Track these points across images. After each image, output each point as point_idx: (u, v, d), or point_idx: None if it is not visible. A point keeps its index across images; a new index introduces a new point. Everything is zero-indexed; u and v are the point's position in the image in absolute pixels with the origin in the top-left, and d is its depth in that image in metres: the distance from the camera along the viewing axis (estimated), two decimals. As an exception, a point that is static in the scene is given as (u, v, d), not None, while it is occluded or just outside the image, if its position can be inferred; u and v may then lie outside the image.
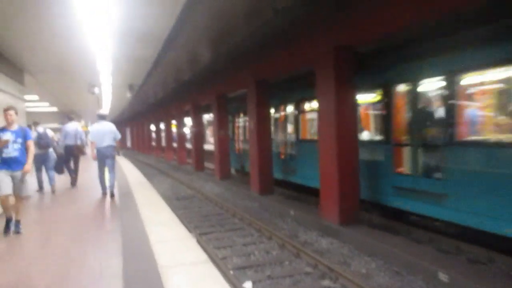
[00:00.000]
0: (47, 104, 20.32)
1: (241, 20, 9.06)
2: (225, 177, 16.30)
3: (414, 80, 7.68)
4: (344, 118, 8.04)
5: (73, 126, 11.74)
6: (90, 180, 12.75)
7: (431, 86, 7.53)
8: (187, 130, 28.78)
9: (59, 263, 4.94)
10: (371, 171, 8.65)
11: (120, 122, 56.90)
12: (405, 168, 7.97)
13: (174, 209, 11.21)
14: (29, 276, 4.51)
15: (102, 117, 9.99)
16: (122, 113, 39.50)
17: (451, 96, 6.83)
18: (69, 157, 11.74)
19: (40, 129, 11.02)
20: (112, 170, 9.79)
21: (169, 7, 6.34)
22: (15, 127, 6.35)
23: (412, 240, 7.45)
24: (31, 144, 6.49)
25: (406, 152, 7.94)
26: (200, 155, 20.70)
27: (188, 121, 26.73)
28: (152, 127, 36.98)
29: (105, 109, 28.47)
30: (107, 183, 9.87)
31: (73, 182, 11.98)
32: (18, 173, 6.22)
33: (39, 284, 4.29)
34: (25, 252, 5.55)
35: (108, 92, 17.50)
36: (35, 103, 18.63)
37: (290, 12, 8.00)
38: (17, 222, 6.42)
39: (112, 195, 9.66)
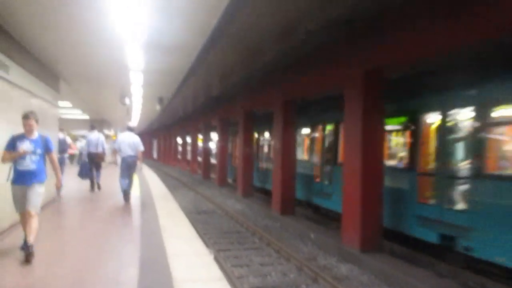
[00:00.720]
0: (79, 111, 20.88)
1: (273, 38, 9.14)
2: (247, 195, 16.25)
3: (443, 110, 7.53)
4: (370, 143, 7.93)
5: (95, 135, 12.59)
6: (109, 187, 13.18)
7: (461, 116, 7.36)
8: (212, 145, 28.97)
9: (77, 269, 4.99)
10: (394, 199, 8.47)
11: (148, 133, 57.90)
12: (430, 198, 7.76)
13: (194, 223, 11.24)
14: (46, 281, 4.56)
15: (130, 129, 10.72)
16: (150, 125, 40.18)
17: (480, 128, 6.66)
18: (92, 164, 12.42)
19: (61, 135, 11.63)
20: (131, 177, 10.46)
21: (202, 22, 6.44)
22: (35, 135, 5.52)
23: (435, 273, 7.19)
24: (54, 157, 5.77)
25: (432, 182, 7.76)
26: (224, 170, 20.76)
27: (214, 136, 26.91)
28: (179, 140, 37.43)
29: (134, 122, 29.89)
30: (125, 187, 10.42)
31: (93, 187, 12.60)
32: (33, 187, 5.35)
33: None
34: (42, 260, 5.63)
35: (138, 103, 17.85)
36: (68, 110, 19.17)
37: (322, 33, 8.02)
38: (27, 244, 5.13)
39: (127, 199, 10.38)
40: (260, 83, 13.26)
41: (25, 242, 5.13)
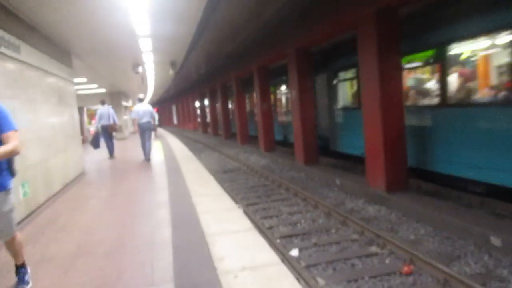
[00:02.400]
0: (95, 85, 21.03)
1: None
2: (270, 149, 16.38)
3: None
4: (388, 84, 7.80)
5: (105, 109, 14.45)
6: (132, 156, 14.23)
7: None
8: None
9: (115, 231, 5.23)
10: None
11: (165, 100, 58.21)
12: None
13: (221, 181, 11.47)
14: (88, 238, 4.81)
15: (141, 100, 12.97)
16: (166, 91, 40.29)
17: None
18: (106, 135, 14.30)
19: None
20: (149, 140, 12.61)
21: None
22: None
23: (462, 205, 7.24)
24: (9, 137, 3.33)
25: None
26: (245, 128, 20.86)
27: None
28: (197, 104, 37.54)
29: (145, 93, 32.18)
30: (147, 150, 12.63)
31: (111, 154, 14.55)
32: None
33: (98, 250, 4.56)
34: (81, 230, 5.87)
35: (151, 70, 17.84)
36: (84, 86, 19.35)
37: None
38: (20, 268, 3.79)
39: (148, 159, 12.64)
40: (272, 35, 13.02)
41: (17, 269, 3.79)
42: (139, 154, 13.62)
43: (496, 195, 7.26)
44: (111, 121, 14.31)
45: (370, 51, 7.96)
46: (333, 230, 6.84)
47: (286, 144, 17.35)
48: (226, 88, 24.53)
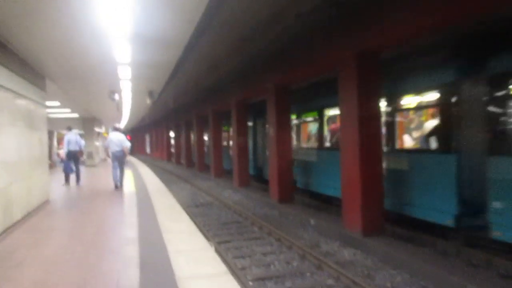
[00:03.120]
0: (68, 110, 20.50)
1: (261, 26, 8.95)
2: (244, 184, 16.15)
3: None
4: (367, 125, 7.81)
5: (73, 135, 14.70)
6: (103, 184, 13.64)
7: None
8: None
9: (78, 270, 4.84)
10: None
11: (140, 128, 57.54)
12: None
13: (193, 216, 11.13)
14: (47, 281, 4.42)
15: (116, 129, 13.52)
16: (141, 120, 39.83)
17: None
18: (74, 160, 14.46)
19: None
20: (122, 167, 13.10)
21: (188, 13, 6.22)
22: None
23: (439, 252, 7.15)
24: None
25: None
26: (219, 162, 20.63)
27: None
28: (171, 134, 37.17)
29: (120, 123, 32.73)
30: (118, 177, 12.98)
31: (78, 180, 14.52)
32: None
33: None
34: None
35: (128, 99, 17.55)
36: (56, 109, 18.82)
37: (311, 16, 7.83)
38: None
39: (121, 185, 13.04)
40: (252, 71, 13.06)
41: None
42: (109, 183, 13.74)
43: (472, 245, 7.23)
44: (78, 147, 14.69)
45: (350, 93, 8.01)
46: (308, 274, 6.60)
47: (260, 179, 17.18)
48: (202, 120, 24.38)
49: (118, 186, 12.97)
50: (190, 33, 7.42)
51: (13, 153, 7.78)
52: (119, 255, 5.39)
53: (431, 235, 7.95)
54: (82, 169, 22.16)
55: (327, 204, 11.72)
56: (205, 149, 25.20)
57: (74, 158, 14.43)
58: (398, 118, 8.91)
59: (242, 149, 16.28)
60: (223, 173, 20.58)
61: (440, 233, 7.91)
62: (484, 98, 6.44)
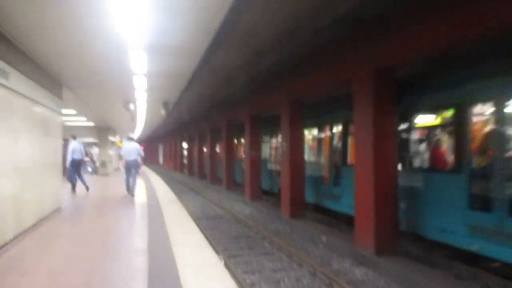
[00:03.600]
0: (84, 119, 20.72)
1: (278, 40, 8.93)
2: (255, 198, 16.03)
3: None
4: (382, 143, 7.68)
5: (77, 144, 14.86)
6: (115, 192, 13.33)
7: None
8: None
9: (85, 280, 4.78)
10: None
11: (153, 138, 57.91)
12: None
13: (203, 229, 11.04)
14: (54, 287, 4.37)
15: (130, 139, 14.02)
16: (155, 130, 40.08)
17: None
18: (77, 169, 14.67)
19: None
20: (134, 176, 13.40)
21: (206, 24, 6.24)
22: None
23: (454, 275, 6.93)
24: None
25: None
26: (231, 174, 20.57)
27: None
28: (185, 145, 37.30)
29: (135, 132, 33.39)
30: (130, 184, 13.37)
31: (74, 189, 14.53)
32: None
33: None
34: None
35: (142, 109, 17.67)
36: (72, 117, 19.04)
37: (328, 31, 7.79)
38: None
39: (132, 194, 13.30)
40: (266, 85, 13.05)
41: None
42: (121, 192, 13.96)
43: (487, 269, 7.00)
44: (81, 156, 14.86)
45: (365, 109, 7.91)
46: (319, 293, 6.45)
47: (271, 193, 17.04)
48: (215, 132, 24.42)
49: (130, 194, 13.32)
50: (207, 44, 7.43)
51: (27, 160, 7.83)
52: (128, 267, 5.33)
53: (445, 258, 7.74)
54: (95, 177, 22.39)
55: (338, 220, 11.55)
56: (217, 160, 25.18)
57: (77, 167, 14.61)
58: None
59: (254, 162, 16.20)
60: (235, 186, 20.49)
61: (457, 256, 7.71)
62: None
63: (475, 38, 5.85)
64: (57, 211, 10.14)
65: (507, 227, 6.00)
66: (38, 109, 8.56)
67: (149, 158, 64.49)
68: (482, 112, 6.95)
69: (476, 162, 6.93)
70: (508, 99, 6.19)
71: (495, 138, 6.45)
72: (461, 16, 5.68)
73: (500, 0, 5.13)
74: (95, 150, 27.49)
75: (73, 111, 16.62)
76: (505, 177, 6.13)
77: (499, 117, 6.34)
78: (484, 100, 6.81)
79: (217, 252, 8.47)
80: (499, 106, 6.32)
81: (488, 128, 6.77)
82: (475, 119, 7.03)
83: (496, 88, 6.39)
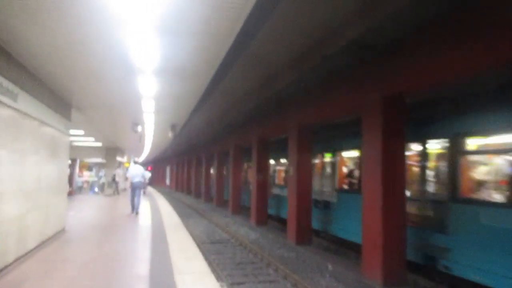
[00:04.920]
0: (92, 139, 20.85)
1: (287, 65, 8.95)
2: (261, 223, 15.83)
3: None
4: (391, 172, 7.55)
5: (138, 168, 15.35)
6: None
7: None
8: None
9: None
10: None
11: (160, 160, 58.01)
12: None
13: (207, 253, 10.87)
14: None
15: (136, 162, 16.76)
16: (163, 152, 40.17)
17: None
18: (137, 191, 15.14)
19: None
20: (138, 196, 14.72)
21: (215, 47, 6.24)
22: None
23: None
24: None
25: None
26: (237, 198, 20.40)
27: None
28: (192, 168, 37.22)
29: (139, 157, 36.13)
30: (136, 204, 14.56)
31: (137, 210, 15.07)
32: None
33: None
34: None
35: (150, 131, 17.74)
36: (80, 138, 19.16)
37: (337, 58, 7.78)
38: None
39: (137, 213, 14.55)
40: (275, 109, 13.04)
41: None
42: (127, 212, 14.86)
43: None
44: (142, 179, 15.53)
45: (374, 136, 7.82)
46: (324, 326, 6.23)
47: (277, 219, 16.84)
48: (222, 155, 24.37)
49: (135, 213, 14.53)
50: (215, 67, 7.44)
51: (33, 182, 7.81)
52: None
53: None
54: (101, 198, 22.36)
55: (345, 249, 11.32)
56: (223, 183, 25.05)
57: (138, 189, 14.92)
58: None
59: (261, 186, 16.06)
60: (241, 210, 20.30)
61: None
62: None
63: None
64: (61, 232, 10.05)
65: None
66: (45, 130, 8.58)
67: (156, 180, 64.57)
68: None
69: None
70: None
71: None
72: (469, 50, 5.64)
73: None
74: (118, 171, 27.37)
75: (81, 132, 16.72)
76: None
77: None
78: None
79: (221, 279, 8.30)
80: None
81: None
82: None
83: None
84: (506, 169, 6.67)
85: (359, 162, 10.52)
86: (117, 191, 26.54)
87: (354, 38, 6.67)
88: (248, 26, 5.29)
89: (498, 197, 6.82)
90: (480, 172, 7.33)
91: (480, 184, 7.26)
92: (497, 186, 6.90)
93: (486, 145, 7.27)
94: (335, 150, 12.25)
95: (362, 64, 8.06)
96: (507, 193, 6.53)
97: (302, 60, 8.34)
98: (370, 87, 7.95)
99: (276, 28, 6.88)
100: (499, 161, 6.90)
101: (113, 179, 27.02)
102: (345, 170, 12.04)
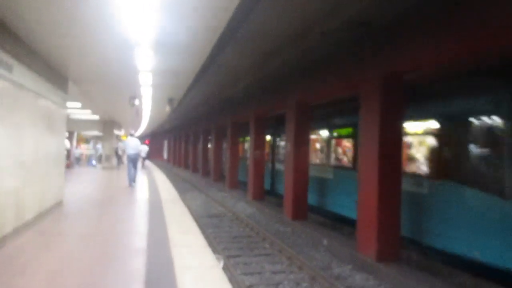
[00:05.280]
0: (89, 112, 20.74)
1: (286, 42, 8.85)
2: (258, 198, 15.98)
3: None
4: (388, 150, 7.59)
5: (134, 140, 15.84)
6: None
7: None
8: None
9: (80, 282, 4.73)
10: None
11: (158, 134, 57.97)
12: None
13: (204, 227, 11.01)
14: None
15: (132, 135, 16.34)
16: (160, 126, 40.12)
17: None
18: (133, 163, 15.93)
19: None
20: (135, 168, 15.48)
21: (212, 22, 6.17)
22: None
23: (456, 284, 6.85)
24: None
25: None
26: (235, 173, 20.52)
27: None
28: (190, 142, 37.28)
29: (136, 129, 35.99)
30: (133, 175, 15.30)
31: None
32: None
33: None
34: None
35: (148, 105, 17.66)
36: (78, 110, 19.06)
37: (336, 35, 7.70)
38: None
39: (134, 183, 15.29)
40: (273, 86, 12.97)
41: None
42: (125, 186, 15.25)
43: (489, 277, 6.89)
44: (137, 151, 15.87)
45: (372, 114, 7.82)
46: (318, 298, 6.38)
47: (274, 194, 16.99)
48: (220, 131, 24.37)
49: (132, 185, 15.17)
50: (213, 42, 7.36)
51: (30, 154, 7.81)
52: (125, 268, 5.27)
53: (448, 265, 7.65)
54: (99, 171, 22.49)
55: (341, 224, 11.47)
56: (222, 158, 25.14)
57: (133, 161, 15.49)
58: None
59: (258, 163, 16.14)
60: (238, 185, 20.45)
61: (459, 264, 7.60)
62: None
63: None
64: (59, 204, 10.13)
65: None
66: (42, 102, 8.53)
67: (154, 154, 64.61)
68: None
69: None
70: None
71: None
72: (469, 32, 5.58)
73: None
74: (120, 145, 28.03)
75: (78, 104, 16.62)
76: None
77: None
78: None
79: (217, 252, 8.43)
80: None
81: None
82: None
83: None
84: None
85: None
86: (121, 162, 29.41)
87: (352, 15, 6.59)
88: (246, 1, 5.20)
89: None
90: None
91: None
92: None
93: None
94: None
95: (362, 41, 7.98)
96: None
97: (300, 37, 8.24)
98: (369, 65, 7.90)
99: (275, 3, 6.77)
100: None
101: (116, 152, 28.33)
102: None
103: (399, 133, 7.83)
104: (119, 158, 29.36)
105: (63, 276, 4.93)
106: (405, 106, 7.89)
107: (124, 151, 17.01)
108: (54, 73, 9.48)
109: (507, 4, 4.98)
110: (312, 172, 12.45)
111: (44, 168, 8.88)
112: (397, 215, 7.75)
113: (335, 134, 12.47)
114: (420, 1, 6.28)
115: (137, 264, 5.32)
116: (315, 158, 13.48)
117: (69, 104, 12.17)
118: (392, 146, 7.65)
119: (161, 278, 4.78)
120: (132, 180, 15.16)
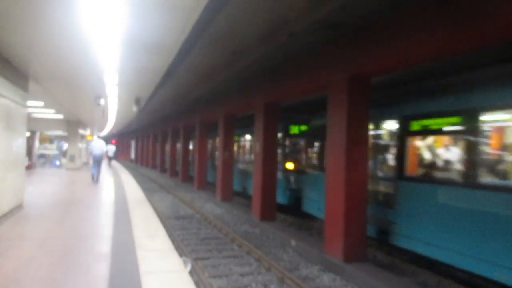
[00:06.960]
0: (53, 111, 20.06)
1: (254, 41, 8.82)
2: (226, 199, 15.90)
3: None
4: (354, 151, 7.67)
5: (99, 141, 17.79)
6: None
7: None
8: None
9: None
10: None
11: (125, 133, 56.92)
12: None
13: (171, 229, 10.84)
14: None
15: (98, 137, 17.91)
16: (128, 125, 39.35)
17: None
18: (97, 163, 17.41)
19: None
20: (99, 167, 17.07)
21: (182, 20, 6.04)
22: None
23: (419, 283, 7.01)
24: None
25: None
26: (203, 173, 20.36)
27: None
28: (157, 142, 36.77)
29: (102, 130, 37.48)
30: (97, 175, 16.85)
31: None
32: None
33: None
34: None
35: (114, 104, 17.24)
36: (40, 109, 18.42)
37: (304, 36, 7.73)
38: None
39: (97, 181, 16.79)
40: (242, 85, 12.92)
41: None
42: (89, 188, 14.96)
43: (453, 277, 7.10)
44: (101, 152, 17.53)
45: (339, 114, 7.88)
46: (286, 300, 6.37)
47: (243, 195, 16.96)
48: (188, 130, 24.12)
49: (95, 181, 16.74)
50: (181, 42, 7.22)
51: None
52: (88, 274, 5.10)
53: (412, 265, 7.82)
54: (63, 172, 21.83)
55: (310, 223, 11.55)
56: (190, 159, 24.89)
57: (97, 161, 17.24)
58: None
59: (227, 163, 16.05)
60: (206, 185, 20.30)
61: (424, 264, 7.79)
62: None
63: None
64: (18, 208, 9.73)
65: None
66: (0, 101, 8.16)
67: (121, 154, 63.33)
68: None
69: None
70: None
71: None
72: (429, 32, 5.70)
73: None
74: (65, 145, 27.57)
75: (41, 103, 16.05)
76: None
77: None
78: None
79: (185, 255, 8.31)
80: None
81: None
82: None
83: None
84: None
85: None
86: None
87: (321, 17, 6.62)
88: (214, 1, 5.13)
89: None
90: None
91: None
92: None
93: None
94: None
95: (329, 43, 8.04)
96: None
97: (269, 37, 8.24)
98: (336, 66, 7.96)
99: (243, 4, 6.72)
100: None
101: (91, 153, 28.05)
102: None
103: (366, 133, 7.93)
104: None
105: (20, 285, 4.71)
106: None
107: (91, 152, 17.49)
108: (13, 70, 9.10)
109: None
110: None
111: (2, 170, 8.50)
112: (364, 216, 7.85)
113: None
114: (381, 6, 6.39)
115: (101, 270, 5.16)
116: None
117: (31, 102, 11.71)
118: (359, 146, 7.73)
119: (125, 284, 4.64)
120: (95, 177, 16.76)
